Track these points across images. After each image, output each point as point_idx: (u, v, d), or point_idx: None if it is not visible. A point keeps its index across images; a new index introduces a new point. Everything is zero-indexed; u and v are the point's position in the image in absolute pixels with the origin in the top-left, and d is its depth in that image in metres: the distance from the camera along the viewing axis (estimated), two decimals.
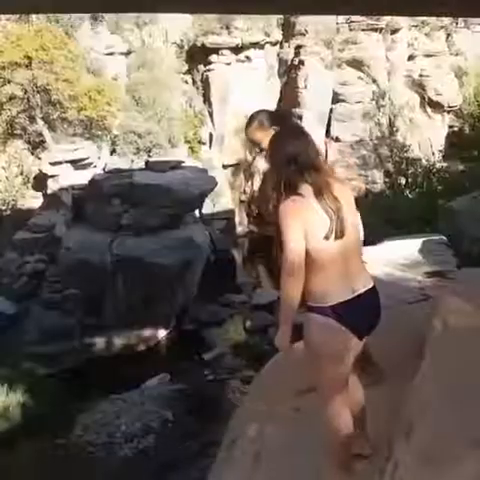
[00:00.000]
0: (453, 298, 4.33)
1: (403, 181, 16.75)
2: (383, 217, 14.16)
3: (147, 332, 14.21)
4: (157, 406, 11.39)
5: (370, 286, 2.98)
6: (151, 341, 14.25)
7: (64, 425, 10.87)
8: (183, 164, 16.50)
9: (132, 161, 17.00)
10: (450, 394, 3.06)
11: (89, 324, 13.95)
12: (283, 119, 3.90)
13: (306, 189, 2.88)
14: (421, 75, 21.56)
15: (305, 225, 2.80)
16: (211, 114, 20.27)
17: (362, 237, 3.88)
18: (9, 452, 9.82)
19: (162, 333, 14.43)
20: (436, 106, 21.47)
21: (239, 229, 20.35)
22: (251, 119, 3.92)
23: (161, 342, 14.34)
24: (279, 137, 3.13)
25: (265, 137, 3.67)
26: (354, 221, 2.99)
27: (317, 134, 20.50)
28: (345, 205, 2.92)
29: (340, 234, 2.87)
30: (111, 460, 9.95)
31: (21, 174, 17.37)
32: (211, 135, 20.35)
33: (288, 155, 2.92)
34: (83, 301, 14.11)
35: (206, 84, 20.20)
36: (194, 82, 20.39)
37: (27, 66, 16.48)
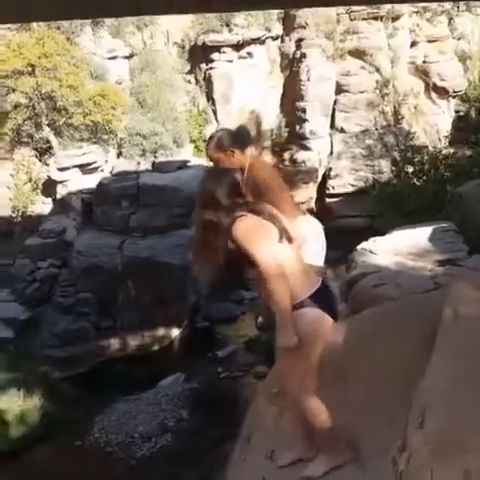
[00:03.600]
0: (464, 286, 4.29)
1: (410, 169, 16.63)
2: (391, 206, 14.09)
3: (160, 332, 14.28)
4: (173, 405, 11.47)
5: (320, 279, 3.31)
6: (164, 341, 14.31)
7: (81, 427, 10.98)
8: (189, 163, 16.54)
9: (138, 163, 17.06)
10: (462, 383, 3.05)
11: (103, 327, 14.05)
12: (240, 139, 4.00)
13: (244, 211, 3.14)
14: (424, 61, 21.39)
15: (261, 235, 3.03)
16: (215, 112, 20.27)
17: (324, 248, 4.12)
18: (28, 457, 9.93)
19: (175, 332, 14.49)
20: (441, 92, 21.30)
21: None
22: (210, 139, 4.08)
23: (174, 341, 14.39)
24: (203, 181, 3.37)
25: (223, 157, 3.84)
26: (294, 231, 3.29)
27: (321, 126, 20.49)
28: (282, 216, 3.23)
29: (290, 239, 3.19)
30: (129, 459, 10.03)
31: (30, 181, 17.50)
32: None
33: (209, 194, 3.20)
34: (96, 304, 14.23)
35: (209, 82, 20.19)
36: (197, 81, 20.37)
37: (30, 74, 16.60)
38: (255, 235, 3.09)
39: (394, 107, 20.75)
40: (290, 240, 3.20)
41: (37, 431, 11.01)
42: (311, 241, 3.87)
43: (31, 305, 14.30)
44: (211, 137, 4.13)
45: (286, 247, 3.16)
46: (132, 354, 13.64)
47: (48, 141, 17.54)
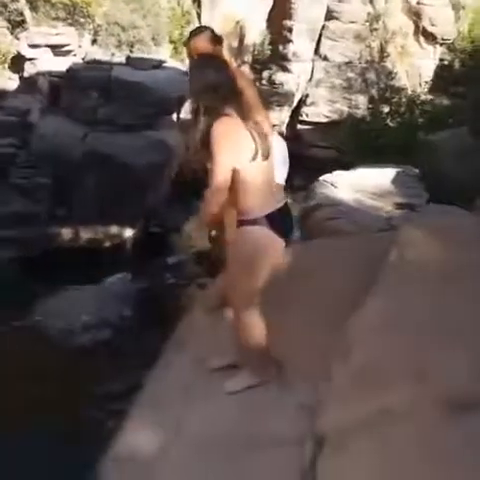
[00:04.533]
0: (414, 231, 4.39)
1: (386, 109, 16.60)
2: (361, 143, 14.14)
3: (113, 229, 14.25)
4: (116, 302, 11.64)
5: (283, 199, 3.43)
6: (117, 239, 14.32)
7: (23, 309, 11.06)
8: (165, 64, 16.06)
9: (113, 54, 16.43)
10: (390, 325, 3.17)
11: (57, 214, 13.92)
12: (221, 44, 3.97)
13: (231, 113, 3.13)
14: (419, 2, 20.90)
15: (235, 146, 3.02)
16: (199, 15, 19.51)
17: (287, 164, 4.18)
18: None
19: (128, 233, 14.49)
20: (429, 37, 20.99)
21: None
22: (200, 30, 4.03)
23: (127, 241, 14.42)
24: (200, 65, 3.29)
25: (214, 51, 3.79)
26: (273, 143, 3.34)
27: (306, 50, 20.06)
28: (267, 131, 3.26)
29: (266, 155, 3.19)
30: (67, 347, 10.23)
31: None
32: None
33: (210, 83, 3.13)
34: (52, 191, 14.02)
35: None
36: None
37: None
38: (228, 141, 3.05)
39: (381, 44, 20.43)
40: (266, 157, 3.20)
41: None
42: (276, 160, 3.91)
43: None
44: (198, 29, 4.05)
45: (258, 163, 3.17)
46: (83, 246, 13.64)
47: (22, 14, 16.67)
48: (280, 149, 4.16)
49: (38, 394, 8.23)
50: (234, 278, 3.28)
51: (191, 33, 4.06)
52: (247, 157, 3.12)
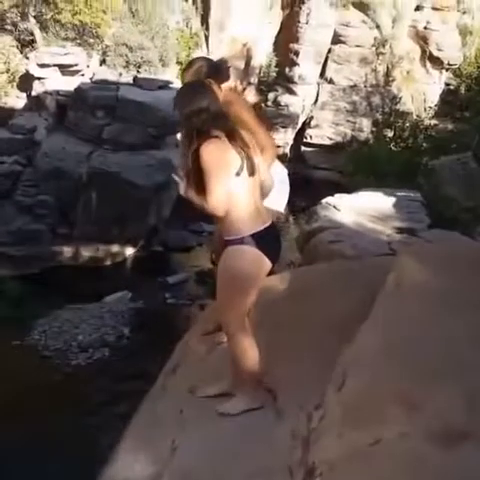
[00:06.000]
0: (414, 257, 4.33)
1: (390, 133, 16.67)
2: (364, 166, 14.16)
3: (115, 248, 14.28)
4: (115, 321, 11.63)
5: (271, 221, 3.32)
6: (118, 258, 14.34)
7: (22, 328, 11.05)
8: (172, 85, 16.18)
9: (120, 74, 16.59)
10: (386, 353, 3.12)
11: (59, 233, 13.97)
12: (219, 72, 3.94)
13: (218, 133, 3.14)
14: (426, 28, 21.09)
15: (225, 166, 3.02)
16: (207, 38, 19.71)
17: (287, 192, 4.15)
18: None
19: (129, 251, 14.52)
20: (436, 62, 21.13)
21: None
22: (191, 64, 4.00)
23: (127, 260, 14.44)
24: (186, 92, 3.35)
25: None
26: (259, 163, 3.30)
27: (311, 72, 20.21)
28: (253, 149, 3.24)
29: (252, 171, 3.17)
30: (65, 366, 10.20)
31: (7, 72, 16.85)
32: None
33: (198, 107, 3.17)
34: (55, 209, 14.09)
35: (206, 5, 19.52)
36: (194, 1, 19.70)
37: None
38: (217, 163, 3.08)
39: (387, 68, 20.58)
40: (252, 173, 3.19)
41: None
42: (285, 191, 3.90)
43: None
44: (190, 63, 4.05)
45: (243, 180, 3.16)
46: (84, 265, 13.65)
47: (32, 34, 16.87)
48: (280, 176, 4.12)
49: (32, 411, 8.21)
50: (223, 300, 3.25)
51: (186, 65, 4.09)
52: (233, 173, 3.11)
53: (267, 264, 3.25)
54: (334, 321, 3.95)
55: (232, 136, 3.17)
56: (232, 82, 4.08)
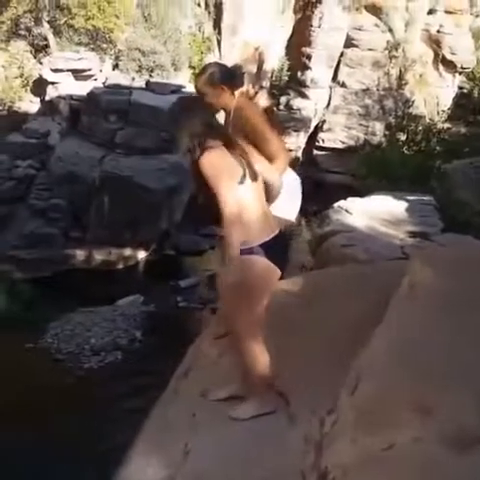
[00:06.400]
0: (427, 261, 4.31)
1: (403, 137, 16.60)
2: (377, 170, 14.11)
3: (127, 252, 14.33)
4: (127, 325, 11.65)
5: (278, 230, 3.29)
6: (130, 261, 14.38)
7: (35, 331, 11.10)
8: (184, 89, 16.24)
9: (133, 79, 16.69)
10: (399, 358, 3.09)
11: (72, 236, 14.03)
12: (233, 78, 3.91)
13: (216, 143, 3.17)
14: (439, 31, 21.02)
15: (226, 173, 3.02)
16: (219, 42, 19.76)
17: (299, 200, 4.10)
18: None
19: (141, 255, 14.55)
20: (449, 65, 21.04)
21: None
22: (204, 70, 3.97)
23: (139, 264, 14.48)
24: (187, 107, 3.41)
25: (211, 92, 3.76)
26: (263, 169, 3.31)
27: (324, 76, 20.19)
28: (252, 155, 3.25)
29: (254, 177, 3.16)
30: (77, 370, 10.23)
31: (21, 76, 17.02)
32: None
33: (198, 121, 3.26)
34: (68, 212, 14.17)
35: (219, 10, 19.58)
36: (207, 6, 19.75)
37: None
38: (219, 171, 3.09)
39: (400, 71, 20.52)
40: (254, 179, 3.18)
41: None
42: (287, 192, 3.85)
43: (3, 202, 14.16)
44: (203, 69, 4.02)
45: (247, 188, 3.15)
46: (96, 268, 13.70)
47: (46, 39, 17.01)
48: (293, 184, 4.07)
49: (44, 413, 8.24)
50: (235, 308, 3.25)
51: (199, 71, 4.07)
52: (235, 181, 3.10)
53: (276, 273, 3.25)
54: (347, 325, 3.93)
55: (230, 145, 3.19)
56: (245, 87, 4.06)
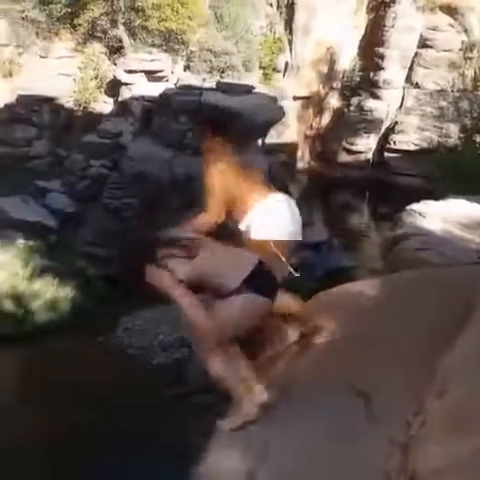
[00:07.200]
0: None
1: (478, 139, 16.15)
2: (452, 173, 13.78)
3: None
4: None
5: (257, 259, 3.32)
6: None
7: (107, 325, 11.33)
8: (254, 90, 16.27)
9: (204, 80, 16.86)
10: None
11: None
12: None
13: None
14: None
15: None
16: (291, 42, 19.71)
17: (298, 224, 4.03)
18: (54, 341, 10.35)
19: None
20: None
21: (300, 164, 20.09)
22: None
23: None
24: None
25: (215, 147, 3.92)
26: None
27: (397, 77, 19.85)
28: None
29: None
30: (145, 364, 10.38)
31: (96, 78, 17.49)
32: (287, 64, 19.85)
33: None
34: (140, 211, 14.39)
35: (291, 10, 19.56)
36: (278, 6, 19.75)
37: None
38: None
39: (475, 72, 19.94)
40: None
41: (63, 320, 11.44)
42: (279, 217, 3.79)
43: (78, 200, 14.58)
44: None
45: (203, 255, 3.35)
46: None
47: (120, 40, 17.41)
48: (276, 206, 3.94)
49: (121, 407, 8.37)
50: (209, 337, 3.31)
51: None
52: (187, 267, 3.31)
53: (262, 303, 3.26)
54: (425, 329, 3.85)
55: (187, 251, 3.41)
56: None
